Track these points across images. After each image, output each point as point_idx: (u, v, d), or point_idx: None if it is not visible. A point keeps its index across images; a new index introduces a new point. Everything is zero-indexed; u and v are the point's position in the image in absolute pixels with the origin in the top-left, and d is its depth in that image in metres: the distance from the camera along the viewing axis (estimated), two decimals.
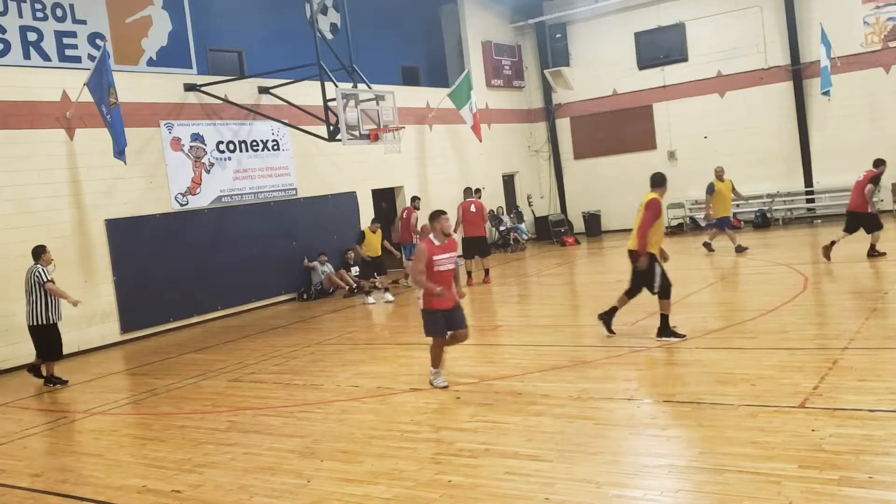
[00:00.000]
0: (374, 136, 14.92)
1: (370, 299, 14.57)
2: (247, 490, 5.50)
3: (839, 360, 7.07)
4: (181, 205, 14.33)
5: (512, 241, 21.53)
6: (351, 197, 17.73)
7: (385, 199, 19.98)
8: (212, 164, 14.96)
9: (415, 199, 16.81)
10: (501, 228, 21.80)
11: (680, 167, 22.17)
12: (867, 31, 19.53)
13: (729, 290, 11.65)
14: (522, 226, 22.50)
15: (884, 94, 19.40)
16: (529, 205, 23.94)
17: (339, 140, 14.37)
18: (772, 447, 5.17)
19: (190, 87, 14.72)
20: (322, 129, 14.95)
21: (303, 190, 16.60)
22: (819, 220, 19.90)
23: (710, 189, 15.82)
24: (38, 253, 10.07)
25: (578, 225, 23.46)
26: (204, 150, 14.88)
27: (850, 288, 11.06)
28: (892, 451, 4.89)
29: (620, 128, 23.01)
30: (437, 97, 20.24)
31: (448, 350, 8.09)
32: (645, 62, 22.50)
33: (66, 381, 10.17)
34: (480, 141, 20.56)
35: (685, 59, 21.90)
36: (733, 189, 16.08)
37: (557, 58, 23.47)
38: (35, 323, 9.93)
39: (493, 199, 21.90)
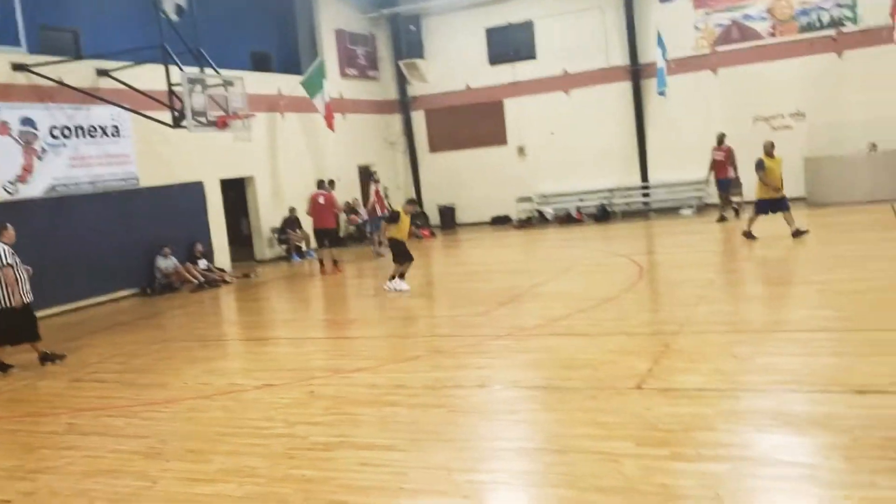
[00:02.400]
0: (222, 124, 14.48)
1: (400, 285, 12.54)
2: (86, 495, 5.23)
3: (671, 343, 7.58)
4: (9, 193, 13.31)
5: (368, 234, 21.48)
6: (198, 187, 17.10)
7: (235, 189, 19.43)
8: (44, 151, 13.97)
9: (372, 173, 18.14)
10: (358, 221, 21.71)
11: (529, 162, 22.95)
12: (698, 35, 20.91)
13: (572, 281, 12.19)
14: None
15: (713, 95, 20.85)
16: (385, 197, 23.95)
17: (185, 127, 13.84)
18: (611, 427, 5.48)
19: (19, 67, 13.68)
20: (166, 115, 14.33)
21: (146, 179, 15.80)
22: (653, 214, 21.13)
23: (760, 165, 13.96)
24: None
25: (434, 218, 23.78)
26: (35, 135, 13.87)
27: (680, 277, 11.84)
28: (717, 426, 5.30)
29: (474, 122, 23.48)
30: (289, 85, 19.88)
31: (301, 345, 8.01)
32: (496, 58, 23.05)
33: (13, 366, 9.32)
34: (333, 131, 20.36)
35: (534, 57, 22.61)
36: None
37: (412, 50, 23.61)
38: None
39: (348, 190, 21.77)
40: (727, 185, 18.10)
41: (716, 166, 18.02)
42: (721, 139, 18.06)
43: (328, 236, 16.23)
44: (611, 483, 4.55)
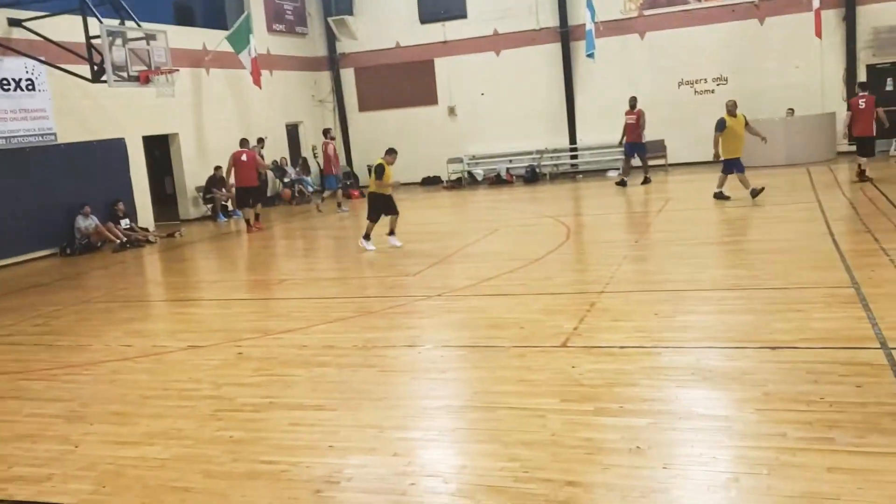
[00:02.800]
0: (144, 79, 14.03)
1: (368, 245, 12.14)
2: (5, 461, 5.10)
3: (596, 302, 7.77)
4: None
5: (297, 194, 21.22)
6: (119, 144, 16.53)
7: (158, 146, 18.88)
8: None
9: (328, 130, 18.02)
10: (286, 180, 21.39)
11: (459, 123, 22.93)
12: None
13: (501, 242, 12.32)
14: (308, 178, 22.22)
15: (640, 58, 21.15)
16: (315, 156, 23.66)
17: (105, 82, 13.33)
18: (537, 384, 5.62)
19: None
20: (85, 70, 13.77)
21: (63, 135, 15.17)
22: (581, 176, 21.45)
23: (721, 126, 13.96)
24: None
25: (364, 178, 23.57)
26: None
27: (606, 237, 12.10)
28: (639, 382, 5.49)
29: (404, 81, 23.28)
30: (214, 40, 19.31)
31: (228, 306, 7.91)
32: (427, 16, 22.82)
33: None
34: (259, 88, 19.92)
35: (464, 16, 22.47)
36: (747, 125, 14.36)
37: (341, 6, 23.18)
38: None
39: (276, 149, 21.40)
40: (638, 149, 18.16)
41: (627, 130, 18.20)
42: (633, 103, 18.21)
43: (251, 195, 16.23)
44: (536, 438, 4.68)
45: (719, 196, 13.95)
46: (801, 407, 4.76)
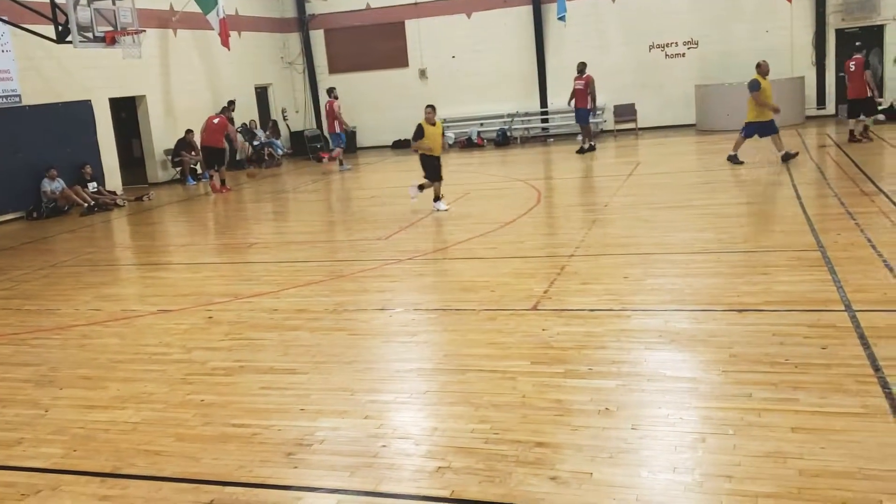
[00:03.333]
0: (110, 40, 13.74)
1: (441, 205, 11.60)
2: None
3: (566, 266, 7.83)
4: None
5: (267, 157, 21.00)
6: (85, 106, 16.18)
7: (125, 108, 18.53)
8: None
9: (332, 90, 18.31)
10: (255, 143, 21.14)
11: (430, 86, 22.74)
12: None
13: (472, 205, 12.32)
14: (278, 141, 21.98)
15: (611, 21, 21.07)
16: (284, 119, 23.39)
17: (70, 42, 13.01)
18: (508, 347, 5.67)
19: None
20: (50, 30, 13.42)
21: (28, 97, 14.81)
22: (552, 139, 21.45)
23: (756, 86, 13.24)
24: None
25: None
26: None
27: (577, 201, 12.15)
28: (608, 344, 5.56)
29: (374, 43, 22.99)
30: (182, 0, 18.87)
31: (198, 270, 7.84)
32: None
33: None
34: (228, 49, 19.56)
35: None
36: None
37: None
38: None
39: (245, 112, 21.10)
40: (586, 115, 17.81)
41: (576, 95, 17.76)
42: (581, 69, 17.81)
43: (215, 155, 16.48)
44: (506, 400, 4.73)
45: (733, 160, 13.48)
46: (766, 368, 4.86)
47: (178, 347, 6.34)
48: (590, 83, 17.69)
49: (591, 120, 18.19)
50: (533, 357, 5.42)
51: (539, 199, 12.19)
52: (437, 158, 11.65)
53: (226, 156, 17.00)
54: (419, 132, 11.52)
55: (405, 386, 5.17)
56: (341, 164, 18.51)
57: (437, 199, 11.71)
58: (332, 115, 17.96)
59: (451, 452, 4.13)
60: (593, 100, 17.79)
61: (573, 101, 17.86)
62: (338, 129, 18.13)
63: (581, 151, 17.60)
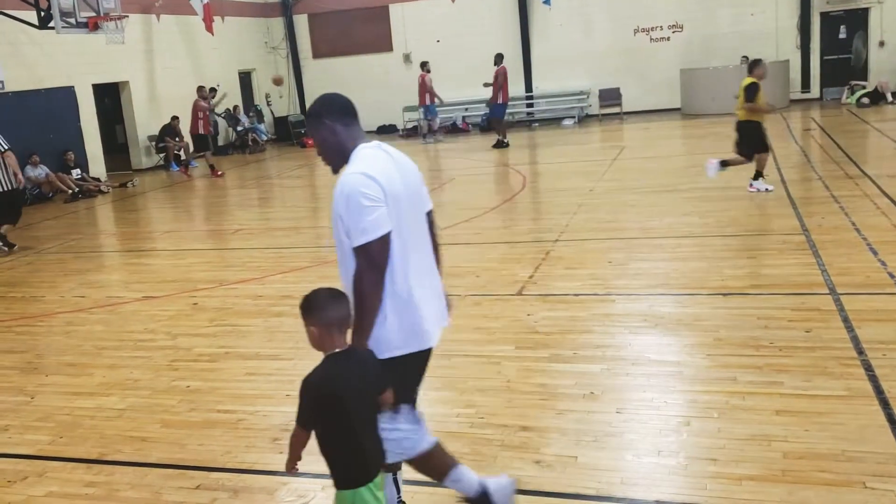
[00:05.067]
0: (92, 25, 13.61)
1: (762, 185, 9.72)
2: None
3: (551, 251, 7.84)
4: None
5: (251, 142, 20.87)
6: (68, 92, 16.00)
7: (109, 94, 18.35)
8: None
9: (424, 63, 18.98)
10: (239, 129, 21.00)
11: (415, 70, 22.59)
12: None
13: (458, 190, 12.31)
14: (262, 126, 21.84)
15: (595, 5, 20.97)
16: (268, 104, 23.24)
17: (52, 28, 12.86)
18: (493, 332, 5.68)
19: None
20: (32, 15, 13.25)
21: (10, 83, 14.59)
22: (537, 124, 21.42)
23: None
24: None
25: None
26: None
27: (562, 186, 12.16)
28: (593, 329, 5.59)
29: (358, 28, 22.84)
30: None
31: (183, 256, 7.80)
32: None
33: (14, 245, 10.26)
34: (212, 35, 19.40)
35: None
36: None
37: None
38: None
39: (229, 97, 20.93)
40: (496, 109, 17.22)
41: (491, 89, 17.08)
42: (497, 60, 17.21)
43: (197, 141, 16.81)
44: (492, 384, 4.75)
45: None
46: (750, 352, 4.90)
47: (164, 334, 6.32)
48: (498, 77, 17.01)
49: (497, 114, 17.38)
50: (518, 342, 5.44)
51: (524, 184, 12.19)
52: (762, 126, 9.63)
53: (209, 141, 16.93)
54: (753, 90, 9.30)
55: None
56: (425, 136, 19.40)
57: (758, 176, 9.67)
58: (424, 88, 18.60)
59: (436, 436, 4.14)
60: (504, 94, 17.09)
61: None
62: (428, 102, 18.83)
63: (498, 146, 16.95)
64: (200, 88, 17.20)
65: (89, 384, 5.36)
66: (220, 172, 16.34)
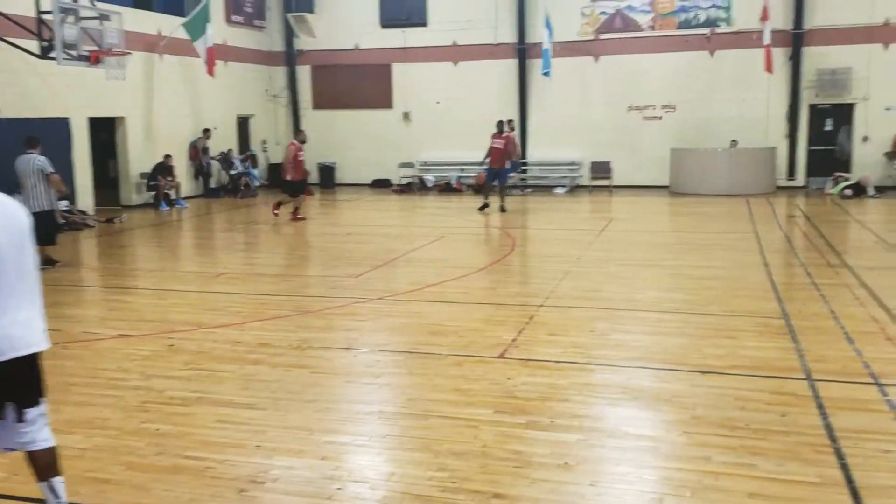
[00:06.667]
0: (94, 59, 13.73)
1: None
2: None
3: (535, 315, 7.84)
4: None
5: (243, 187, 20.92)
6: (62, 124, 16.04)
7: (104, 129, 18.41)
8: None
9: (510, 121, 18.58)
10: (232, 172, 21.07)
11: (413, 129, 22.94)
12: (583, 21, 21.42)
13: (446, 249, 12.35)
14: (255, 171, 21.94)
15: (593, 80, 21.47)
16: (264, 150, 23.39)
17: (54, 59, 12.97)
18: (472, 394, 5.63)
19: None
20: (33, 45, 13.36)
21: (6, 110, 14.67)
22: (530, 190, 21.64)
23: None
24: (36, 143, 10.84)
25: (314, 176, 23.38)
26: None
27: (550, 252, 12.22)
28: (571, 397, 5.55)
29: (360, 83, 23.18)
30: (170, 25, 18.93)
31: (163, 296, 7.73)
32: (387, 22, 22.78)
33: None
34: (212, 77, 19.61)
35: (425, 24, 22.49)
36: None
37: (301, 3, 22.98)
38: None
39: (226, 140, 21.10)
40: (501, 175, 17.01)
41: (492, 154, 16.76)
42: (501, 127, 16.96)
43: (294, 186, 15.87)
44: (467, 448, 4.69)
45: None
46: (726, 432, 4.87)
47: (137, 374, 6.22)
48: (510, 142, 16.99)
49: (502, 180, 17.13)
50: (496, 406, 5.39)
51: (513, 247, 12.25)
52: None
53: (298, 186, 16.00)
54: None
55: (365, 428, 5.10)
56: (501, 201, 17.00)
57: None
58: (509, 146, 16.91)
59: (407, 499, 4.07)
60: (511, 159, 17.09)
61: (488, 160, 16.95)
62: (513, 159, 17.65)
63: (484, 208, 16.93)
64: (299, 132, 16.50)
65: (55, 420, 5.20)
66: (301, 216, 15.69)
